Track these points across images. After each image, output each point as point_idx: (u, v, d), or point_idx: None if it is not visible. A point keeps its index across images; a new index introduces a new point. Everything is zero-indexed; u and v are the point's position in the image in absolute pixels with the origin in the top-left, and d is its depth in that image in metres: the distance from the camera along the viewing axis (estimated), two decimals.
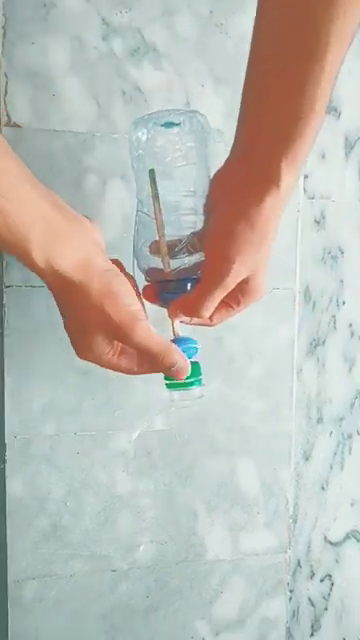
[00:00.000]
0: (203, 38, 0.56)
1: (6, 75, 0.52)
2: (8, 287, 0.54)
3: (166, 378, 0.47)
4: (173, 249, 0.46)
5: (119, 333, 0.41)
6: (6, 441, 0.55)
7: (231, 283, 0.43)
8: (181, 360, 0.44)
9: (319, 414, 0.65)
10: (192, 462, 0.60)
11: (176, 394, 0.47)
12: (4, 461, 0.56)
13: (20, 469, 0.56)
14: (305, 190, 0.62)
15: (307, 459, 0.65)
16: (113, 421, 0.58)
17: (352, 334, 0.65)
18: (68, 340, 0.55)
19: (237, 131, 0.42)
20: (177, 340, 0.47)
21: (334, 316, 0.65)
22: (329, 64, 0.36)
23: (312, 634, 0.68)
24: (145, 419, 0.59)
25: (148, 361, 0.44)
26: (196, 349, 0.47)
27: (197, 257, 0.46)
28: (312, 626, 0.68)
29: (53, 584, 0.58)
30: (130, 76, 0.55)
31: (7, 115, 0.52)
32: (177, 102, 0.56)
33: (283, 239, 0.61)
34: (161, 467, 0.60)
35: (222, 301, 0.45)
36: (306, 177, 0.62)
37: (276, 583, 0.65)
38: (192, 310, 0.44)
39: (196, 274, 0.46)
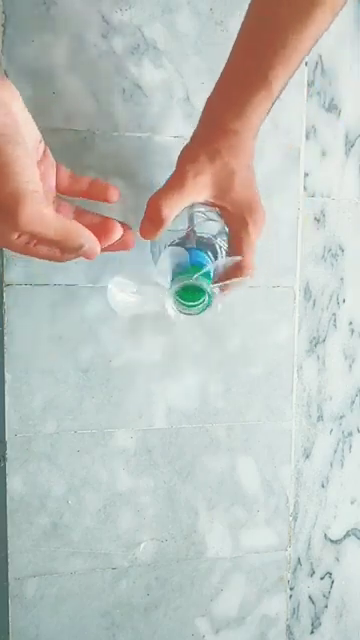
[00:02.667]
0: (203, 36, 0.56)
1: (6, 73, 0.52)
2: (8, 285, 0.54)
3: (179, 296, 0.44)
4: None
5: (4, 213, 0.34)
6: (7, 439, 0.55)
7: (187, 178, 0.43)
8: (89, 240, 0.39)
9: (319, 412, 0.65)
10: (192, 460, 0.61)
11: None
12: (4, 459, 0.56)
13: (21, 467, 0.56)
14: (305, 188, 0.62)
15: (307, 457, 0.65)
16: (113, 419, 0.58)
17: (352, 332, 0.66)
18: (68, 338, 0.55)
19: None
20: (194, 249, 0.45)
21: (334, 314, 0.65)
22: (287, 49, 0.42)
23: (312, 631, 0.68)
24: (145, 417, 0.59)
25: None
26: (206, 258, 0.45)
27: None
28: (312, 624, 0.68)
29: (54, 582, 0.58)
30: (130, 74, 0.55)
31: None
32: (177, 100, 0.56)
33: (283, 237, 0.61)
34: (161, 465, 0.60)
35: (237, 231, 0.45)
36: (306, 175, 0.62)
37: (276, 581, 0.65)
38: (153, 212, 0.43)
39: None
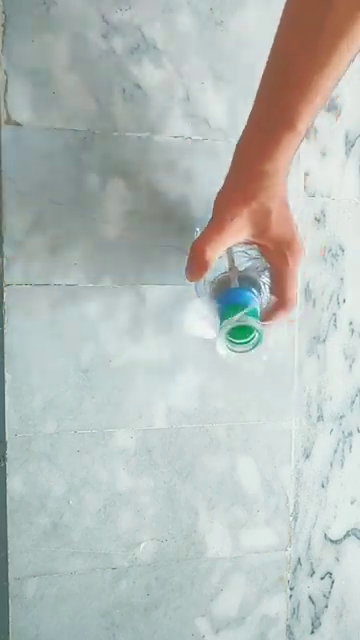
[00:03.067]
0: (203, 36, 0.56)
1: (6, 73, 0.52)
2: (8, 285, 0.54)
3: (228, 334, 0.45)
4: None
5: None
6: (7, 439, 0.55)
7: (226, 221, 0.45)
8: None
9: (319, 412, 0.65)
10: (192, 460, 0.61)
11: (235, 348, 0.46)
12: (5, 459, 0.56)
13: (21, 467, 0.56)
14: (305, 188, 0.62)
15: (307, 457, 0.65)
16: (113, 419, 0.58)
17: (352, 332, 0.65)
18: (68, 338, 0.55)
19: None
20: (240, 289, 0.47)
21: (334, 314, 0.65)
22: (311, 90, 0.42)
23: (312, 631, 0.68)
24: (145, 417, 0.59)
25: None
26: (251, 296, 0.47)
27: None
28: (312, 624, 0.68)
29: (54, 582, 0.58)
30: (130, 74, 0.55)
31: (7, 113, 0.52)
32: (177, 99, 0.56)
33: None
34: (161, 465, 0.60)
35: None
36: (306, 175, 0.62)
37: (276, 581, 0.65)
38: (197, 255, 0.45)
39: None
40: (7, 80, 0.52)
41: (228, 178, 0.46)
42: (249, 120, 0.45)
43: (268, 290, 0.49)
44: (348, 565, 0.69)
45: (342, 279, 0.65)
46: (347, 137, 0.63)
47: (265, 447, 0.62)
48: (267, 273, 0.48)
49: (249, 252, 0.49)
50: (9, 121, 0.52)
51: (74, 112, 0.54)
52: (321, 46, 0.40)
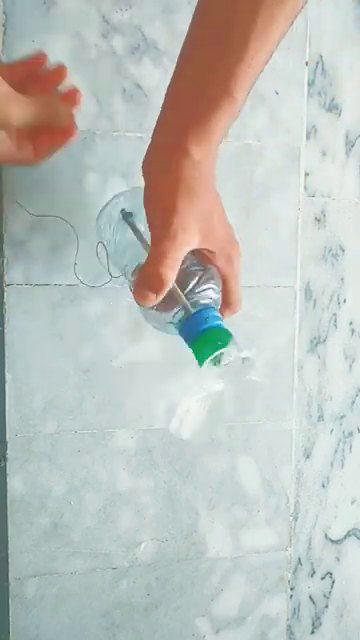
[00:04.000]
0: None
1: None
2: (9, 285, 0.54)
3: (195, 354, 0.43)
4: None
5: None
6: (7, 439, 0.55)
7: (177, 233, 0.39)
8: (61, 106, 0.45)
9: (320, 412, 0.65)
10: (193, 460, 0.61)
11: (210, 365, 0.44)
12: (5, 459, 0.56)
13: (21, 467, 0.56)
14: (306, 188, 0.62)
15: (308, 457, 0.65)
16: (114, 419, 0.58)
17: (353, 332, 0.65)
18: (69, 338, 0.55)
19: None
20: (194, 315, 0.42)
21: (335, 314, 0.65)
22: (250, 52, 0.37)
23: (313, 632, 0.68)
24: (146, 417, 0.59)
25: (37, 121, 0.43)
26: (214, 318, 0.43)
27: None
28: (313, 624, 0.68)
29: (54, 582, 0.58)
30: (130, 74, 0.55)
31: None
32: None
33: (283, 237, 0.61)
34: (162, 465, 0.60)
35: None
36: (307, 175, 0.62)
37: (277, 581, 0.65)
38: (153, 278, 0.40)
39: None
40: None
41: (156, 161, 0.41)
42: (173, 89, 0.41)
43: (218, 295, 0.45)
44: (348, 565, 0.69)
45: (342, 279, 0.65)
46: (347, 137, 0.63)
47: (265, 447, 0.62)
48: (209, 279, 0.44)
49: (190, 266, 0.44)
50: None
51: (74, 112, 0.54)
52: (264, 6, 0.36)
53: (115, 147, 0.55)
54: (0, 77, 0.41)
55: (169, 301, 0.42)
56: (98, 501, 0.58)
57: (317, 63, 0.60)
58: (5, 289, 0.54)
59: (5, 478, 0.56)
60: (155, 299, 0.41)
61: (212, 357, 0.42)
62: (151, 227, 0.41)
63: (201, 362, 0.43)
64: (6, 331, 0.54)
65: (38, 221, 0.54)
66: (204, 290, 0.43)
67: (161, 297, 0.41)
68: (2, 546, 0.56)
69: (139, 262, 0.44)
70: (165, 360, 0.58)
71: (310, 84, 0.60)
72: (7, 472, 0.56)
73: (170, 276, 0.40)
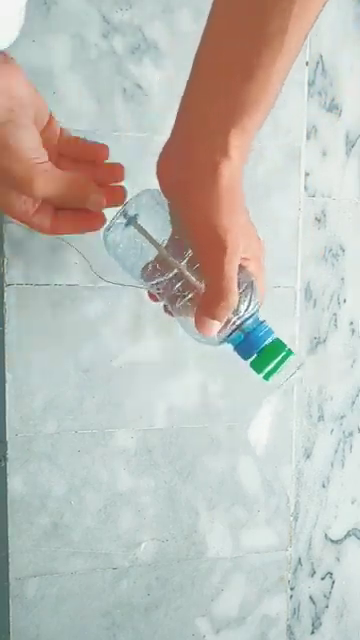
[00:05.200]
0: None
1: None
2: (9, 285, 0.54)
3: (256, 369, 0.44)
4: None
5: (21, 187, 0.40)
6: (7, 439, 0.55)
7: (234, 255, 0.37)
8: (94, 192, 0.43)
9: (320, 412, 0.65)
10: (193, 460, 0.61)
11: (276, 377, 0.45)
12: (5, 459, 0.56)
13: (21, 467, 0.56)
14: (306, 188, 0.62)
15: (308, 457, 0.65)
16: (114, 419, 0.58)
17: (353, 332, 0.65)
18: (69, 338, 0.55)
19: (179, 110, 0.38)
20: (249, 335, 0.44)
21: (335, 314, 0.65)
22: (285, 46, 0.33)
23: (313, 632, 0.68)
24: (146, 417, 0.59)
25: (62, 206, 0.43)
26: (269, 331, 0.45)
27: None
28: (313, 624, 0.68)
29: (54, 582, 0.58)
30: (131, 74, 0.55)
31: None
32: (178, 99, 0.56)
33: (284, 237, 0.61)
34: (162, 465, 0.60)
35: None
36: (307, 175, 0.62)
37: (277, 581, 0.65)
38: (219, 307, 0.39)
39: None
40: None
41: (185, 177, 0.36)
42: (198, 95, 0.36)
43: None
44: (349, 565, 0.69)
45: (343, 279, 0.65)
46: (348, 137, 0.63)
47: (266, 447, 0.62)
48: (255, 290, 0.44)
49: None
50: None
51: (75, 112, 0.54)
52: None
53: (115, 147, 0.55)
54: (40, 141, 0.41)
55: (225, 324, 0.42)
56: (98, 501, 0.58)
57: (317, 63, 0.60)
58: (5, 289, 0.54)
59: (5, 478, 0.56)
60: (219, 328, 0.41)
61: (278, 372, 0.44)
62: (200, 250, 0.38)
63: (267, 377, 0.44)
64: (6, 331, 0.54)
65: None
66: (253, 304, 0.44)
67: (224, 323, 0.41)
68: (2, 546, 0.56)
69: (146, 260, 0.45)
70: (165, 360, 0.58)
71: (310, 84, 0.60)
72: (7, 472, 0.56)
73: (236, 300, 0.39)
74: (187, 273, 0.43)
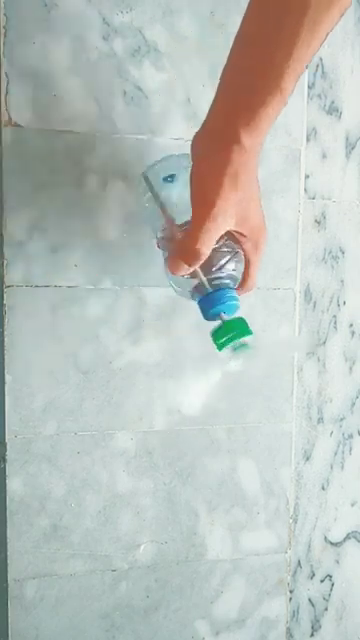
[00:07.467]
0: (204, 38, 0.56)
1: (7, 75, 0.52)
2: (9, 287, 0.54)
3: (216, 340, 0.46)
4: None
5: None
6: (7, 440, 0.55)
7: (218, 214, 0.42)
8: None
9: (320, 414, 0.65)
10: (193, 461, 0.60)
11: (229, 352, 0.47)
12: (5, 460, 0.56)
13: (21, 468, 0.56)
14: (306, 190, 0.62)
15: (308, 459, 0.65)
16: (114, 420, 0.58)
17: (353, 334, 0.65)
18: (69, 340, 0.55)
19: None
20: (212, 293, 0.46)
21: (335, 316, 0.65)
22: (299, 48, 0.39)
23: (312, 634, 0.68)
24: (145, 419, 0.59)
25: None
26: (233, 304, 0.47)
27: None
28: (312, 626, 0.68)
29: (54, 583, 0.58)
30: (131, 76, 0.55)
31: (8, 115, 0.52)
32: (178, 102, 0.56)
33: (284, 239, 0.61)
34: (161, 467, 0.60)
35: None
36: (307, 177, 0.62)
37: (276, 583, 0.65)
38: (189, 252, 0.43)
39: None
40: (8, 82, 0.52)
41: (204, 146, 0.43)
42: (226, 79, 0.42)
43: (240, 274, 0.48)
44: (348, 568, 0.68)
45: (342, 281, 0.65)
46: (348, 139, 0.63)
47: (265, 449, 0.62)
48: (236, 260, 0.47)
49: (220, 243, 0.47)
50: (10, 123, 0.52)
51: (75, 114, 0.54)
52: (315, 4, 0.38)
53: (115, 149, 0.55)
54: None
55: (193, 275, 0.46)
56: (98, 503, 0.58)
57: (317, 66, 0.61)
58: (5, 290, 0.54)
59: (5, 479, 0.56)
60: (186, 271, 0.45)
61: (232, 345, 0.46)
62: (194, 204, 0.43)
63: (220, 348, 0.46)
64: (6, 332, 0.54)
65: (39, 223, 0.54)
66: (229, 271, 0.47)
67: (192, 270, 0.45)
68: (1, 547, 0.56)
69: (160, 223, 0.49)
70: (165, 361, 0.59)
71: (310, 87, 0.61)
72: (7, 473, 0.56)
73: (205, 252, 0.43)
74: (176, 225, 0.47)
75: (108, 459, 0.58)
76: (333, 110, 0.62)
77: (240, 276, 0.48)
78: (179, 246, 0.44)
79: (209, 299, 0.46)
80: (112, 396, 0.57)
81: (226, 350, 0.46)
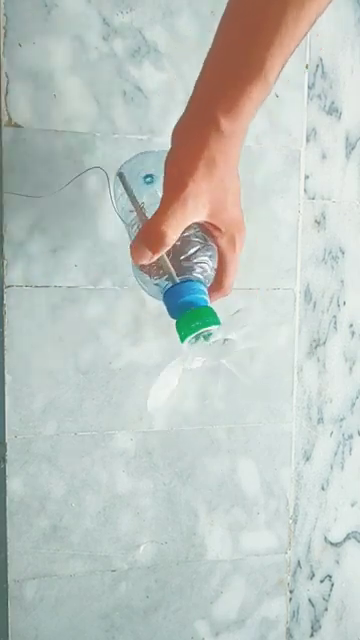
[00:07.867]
0: (204, 38, 0.56)
1: (7, 75, 0.52)
2: (9, 287, 0.54)
3: (177, 328, 0.42)
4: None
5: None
6: (7, 440, 0.55)
7: (189, 197, 0.39)
8: None
9: (320, 414, 0.65)
10: (192, 462, 0.60)
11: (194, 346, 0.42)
12: (5, 461, 0.56)
13: (21, 469, 0.56)
14: (306, 190, 0.62)
15: (307, 459, 0.65)
16: (114, 421, 0.58)
17: (353, 334, 0.65)
18: (68, 340, 0.55)
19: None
20: (179, 284, 0.41)
21: (335, 316, 0.65)
22: (282, 36, 0.37)
23: (312, 634, 0.68)
24: (146, 419, 0.59)
25: None
26: (200, 297, 0.42)
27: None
28: (312, 627, 0.68)
29: (53, 584, 0.58)
30: (131, 76, 0.55)
31: (8, 115, 0.52)
32: (178, 102, 0.56)
33: (283, 239, 0.61)
34: (161, 467, 0.60)
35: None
36: (307, 177, 0.62)
37: (276, 583, 0.65)
38: (153, 235, 0.39)
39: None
40: (8, 82, 0.52)
41: (184, 128, 0.41)
42: (210, 62, 0.40)
43: (210, 270, 0.44)
44: (348, 568, 0.68)
45: (342, 281, 0.65)
46: (347, 139, 0.63)
47: (265, 449, 0.62)
48: (207, 254, 0.44)
49: (191, 235, 0.44)
50: (10, 123, 0.52)
51: (75, 114, 0.54)
52: None
53: (115, 149, 0.55)
54: None
55: (159, 265, 0.41)
56: (98, 503, 0.58)
57: (317, 66, 0.61)
58: (5, 290, 0.54)
59: (5, 480, 0.56)
60: (150, 258, 0.40)
61: (194, 334, 0.41)
62: (165, 187, 0.40)
63: (182, 338, 0.42)
64: (6, 333, 0.54)
65: (39, 223, 0.54)
66: (198, 263, 0.43)
67: (157, 257, 0.40)
68: (1, 548, 0.56)
69: (138, 226, 0.45)
70: (165, 362, 0.58)
71: (310, 87, 0.61)
72: (7, 474, 0.56)
73: (171, 237, 0.39)
74: (146, 214, 0.44)
75: (108, 459, 0.58)
76: (333, 110, 0.62)
77: (213, 273, 0.44)
78: (143, 230, 0.41)
79: (176, 291, 0.41)
80: (112, 396, 0.57)
81: (187, 342, 0.42)
